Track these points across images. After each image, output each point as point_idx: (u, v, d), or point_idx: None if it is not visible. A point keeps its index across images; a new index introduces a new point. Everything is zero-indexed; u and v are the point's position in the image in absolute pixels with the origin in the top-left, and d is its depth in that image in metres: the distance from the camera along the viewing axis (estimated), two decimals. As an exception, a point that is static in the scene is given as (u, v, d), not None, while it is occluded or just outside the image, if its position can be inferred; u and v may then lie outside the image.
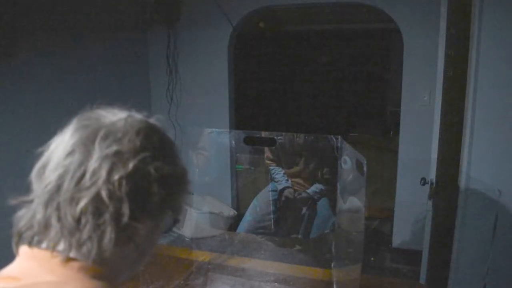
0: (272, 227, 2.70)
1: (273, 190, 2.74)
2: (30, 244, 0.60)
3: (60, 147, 0.60)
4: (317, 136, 2.41)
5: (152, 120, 0.67)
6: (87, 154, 0.58)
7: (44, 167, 0.61)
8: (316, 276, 1.67)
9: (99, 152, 0.58)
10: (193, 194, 3.22)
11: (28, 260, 0.60)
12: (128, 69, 3.48)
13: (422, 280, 2.07)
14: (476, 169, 1.81)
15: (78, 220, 0.57)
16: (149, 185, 0.60)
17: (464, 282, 1.92)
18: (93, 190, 0.57)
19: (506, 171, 1.77)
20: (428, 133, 2.15)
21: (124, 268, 0.64)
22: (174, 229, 3.32)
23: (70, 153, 0.59)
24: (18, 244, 0.62)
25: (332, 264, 1.52)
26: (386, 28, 4.49)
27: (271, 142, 2.04)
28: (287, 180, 2.72)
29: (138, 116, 0.66)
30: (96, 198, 0.57)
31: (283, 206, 2.70)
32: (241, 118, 4.16)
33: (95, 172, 0.57)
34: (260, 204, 2.75)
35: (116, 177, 0.57)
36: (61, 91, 2.68)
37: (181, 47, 3.66)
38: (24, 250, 0.60)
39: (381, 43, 5.85)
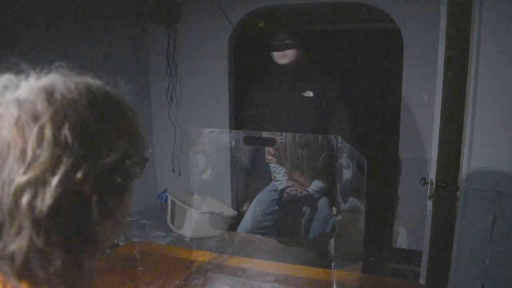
0: (272, 227, 2.69)
1: (273, 190, 2.74)
2: None
3: None
4: (317, 136, 2.42)
5: (57, 93, 0.48)
6: None
7: None
8: (316, 276, 1.67)
9: (6, 192, 0.43)
10: (193, 194, 3.23)
11: None
12: (128, 69, 3.47)
13: (422, 280, 2.07)
14: (476, 169, 1.81)
15: (22, 276, 0.46)
16: (87, 197, 0.46)
17: (464, 282, 1.91)
18: (23, 243, 0.43)
19: (506, 172, 1.77)
20: (428, 133, 2.16)
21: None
22: (174, 229, 3.30)
23: None
24: None
25: (332, 264, 1.52)
26: (386, 28, 4.48)
27: (271, 142, 2.05)
28: (288, 180, 2.72)
29: (34, 99, 0.46)
30: (33, 249, 0.44)
31: (283, 206, 2.70)
32: (241, 118, 4.14)
33: (14, 220, 0.43)
34: (260, 204, 2.75)
35: (44, 216, 0.43)
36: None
37: (181, 47, 3.66)
38: None
39: (381, 43, 5.85)
